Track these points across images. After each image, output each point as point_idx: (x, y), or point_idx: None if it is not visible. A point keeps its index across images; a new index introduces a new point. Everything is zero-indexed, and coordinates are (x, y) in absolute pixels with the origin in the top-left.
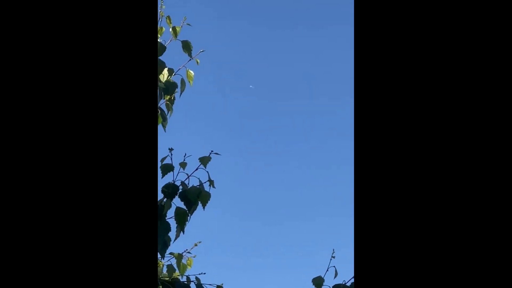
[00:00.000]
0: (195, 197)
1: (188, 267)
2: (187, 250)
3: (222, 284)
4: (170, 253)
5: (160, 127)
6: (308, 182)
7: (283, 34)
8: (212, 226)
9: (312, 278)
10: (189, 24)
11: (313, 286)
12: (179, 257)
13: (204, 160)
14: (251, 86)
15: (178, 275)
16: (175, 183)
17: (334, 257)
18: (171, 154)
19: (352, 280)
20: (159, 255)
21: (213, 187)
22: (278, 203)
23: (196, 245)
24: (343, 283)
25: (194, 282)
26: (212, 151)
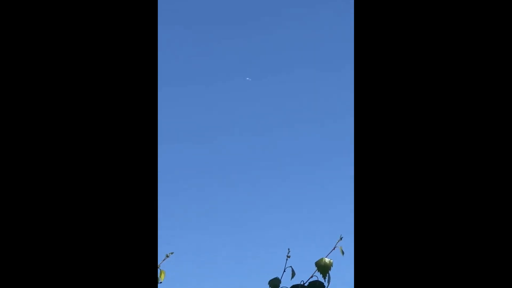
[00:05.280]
0: None
1: None
2: None
3: None
4: None
5: None
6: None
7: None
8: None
9: (268, 280)
10: None
11: None
12: None
13: None
14: (248, 79)
15: None
16: None
17: (289, 256)
18: None
19: (311, 280)
20: None
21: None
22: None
23: (168, 256)
24: (301, 283)
25: None
26: None
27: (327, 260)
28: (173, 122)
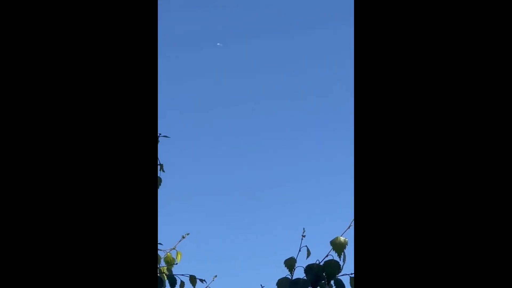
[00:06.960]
0: None
1: None
2: None
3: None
4: None
5: None
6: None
7: None
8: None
9: (283, 260)
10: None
11: (286, 267)
12: None
13: None
14: (218, 44)
15: None
16: None
17: (304, 236)
18: None
19: (326, 259)
20: None
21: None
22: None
23: (183, 237)
24: (317, 262)
25: None
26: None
27: (342, 239)
28: (172, 89)
